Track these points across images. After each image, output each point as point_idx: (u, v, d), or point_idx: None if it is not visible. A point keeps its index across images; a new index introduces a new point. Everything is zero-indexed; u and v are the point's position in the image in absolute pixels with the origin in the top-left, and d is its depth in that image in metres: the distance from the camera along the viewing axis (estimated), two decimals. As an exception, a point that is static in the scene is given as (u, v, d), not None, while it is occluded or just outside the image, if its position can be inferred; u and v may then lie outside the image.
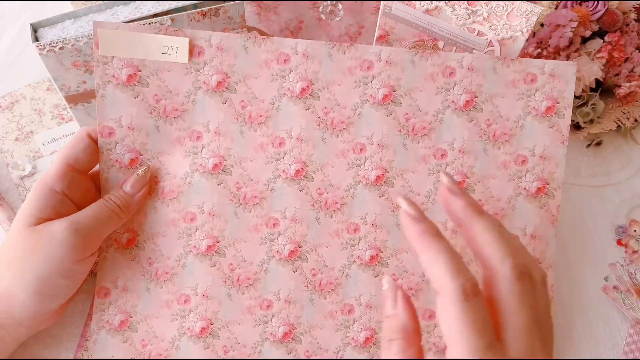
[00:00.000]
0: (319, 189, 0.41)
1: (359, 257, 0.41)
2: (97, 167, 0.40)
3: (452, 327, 0.26)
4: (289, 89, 0.40)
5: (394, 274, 0.41)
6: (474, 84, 0.40)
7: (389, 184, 0.41)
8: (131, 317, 0.40)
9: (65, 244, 0.35)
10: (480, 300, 0.26)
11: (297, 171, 0.40)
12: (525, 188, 0.41)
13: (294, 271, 0.40)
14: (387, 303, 0.30)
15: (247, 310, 0.40)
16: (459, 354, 0.26)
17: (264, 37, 0.40)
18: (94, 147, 0.39)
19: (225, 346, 0.40)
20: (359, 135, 0.40)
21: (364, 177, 0.41)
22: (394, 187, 0.41)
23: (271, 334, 0.40)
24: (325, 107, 0.40)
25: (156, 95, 0.39)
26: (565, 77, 0.40)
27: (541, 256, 0.42)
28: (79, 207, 0.38)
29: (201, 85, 0.39)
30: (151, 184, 0.40)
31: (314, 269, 0.41)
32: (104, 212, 0.37)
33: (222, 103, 0.40)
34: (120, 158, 0.40)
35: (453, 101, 0.40)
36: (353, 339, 0.41)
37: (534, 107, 0.41)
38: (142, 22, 0.42)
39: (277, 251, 0.40)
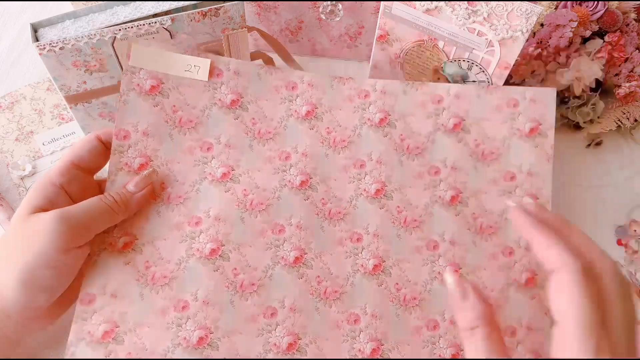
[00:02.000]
0: (323, 199, 0.42)
1: (362, 265, 0.41)
2: (105, 172, 0.40)
3: (571, 301, 0.28)
4: (295, 111, 0.43)
5: (397, 283, 0.40)
6: (461, 109, 0.43)
7: (388, 197, 0.42)
8: (117, 327, 0.38)
9: (50, 231, 0.34)
10: (595, 281, 0.29)
11: (303, 182, 0.42)
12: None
13: (299, 278, 0.40)
14: (456, 297, 0.32)
15: (250, 319, 0.39)
16: (574, 329, 0.28)
17: (276, 67, 0.44)
18: (100, 149, 0.39)
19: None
20: (359, 152, 0.43)
21: (365, 190, 0.42)
22: (392, 200, 0.42)
23: (275, 344, 0.39)
24: (328, 128, 0.43)
25: (174, 106, 0.41)
26: (545, 102, 0.43)
27: (537, 267, 0.42)
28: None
29: (217, 102, 0.42)
30: (158, 190, 0.40)
31: (319, 276, 0.40)
32: (99, 205, 0.37)
33: (235, 119, 0.42)
34: (130, 162, 0.40)
35: (443, 124, 0.43)
36: (360, 350, 0.39)
37: (519, 129, 0.43)
38: (142, 22, 0.42)
39: (283, 257, 0.40)
